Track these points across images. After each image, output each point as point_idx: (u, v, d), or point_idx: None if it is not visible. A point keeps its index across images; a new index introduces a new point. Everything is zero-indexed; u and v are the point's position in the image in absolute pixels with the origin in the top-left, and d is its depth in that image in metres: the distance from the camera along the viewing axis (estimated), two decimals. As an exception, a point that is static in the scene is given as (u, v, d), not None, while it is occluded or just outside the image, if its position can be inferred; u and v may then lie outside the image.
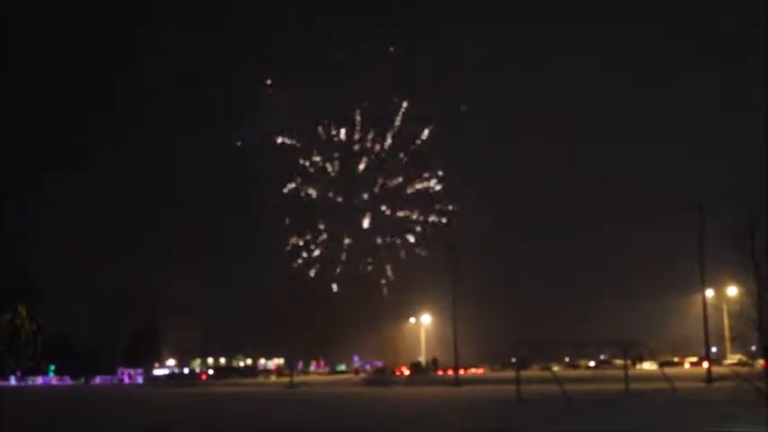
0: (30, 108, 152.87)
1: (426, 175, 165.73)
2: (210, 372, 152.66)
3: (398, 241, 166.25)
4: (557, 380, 53.58)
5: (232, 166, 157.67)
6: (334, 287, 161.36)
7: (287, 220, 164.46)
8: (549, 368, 69.60)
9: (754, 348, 23.92)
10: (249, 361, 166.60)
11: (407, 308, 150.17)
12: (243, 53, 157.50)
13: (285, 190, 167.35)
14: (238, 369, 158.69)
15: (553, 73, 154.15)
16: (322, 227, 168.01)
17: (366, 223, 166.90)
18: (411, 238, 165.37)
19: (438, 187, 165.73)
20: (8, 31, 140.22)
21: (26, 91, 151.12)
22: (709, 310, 79.00)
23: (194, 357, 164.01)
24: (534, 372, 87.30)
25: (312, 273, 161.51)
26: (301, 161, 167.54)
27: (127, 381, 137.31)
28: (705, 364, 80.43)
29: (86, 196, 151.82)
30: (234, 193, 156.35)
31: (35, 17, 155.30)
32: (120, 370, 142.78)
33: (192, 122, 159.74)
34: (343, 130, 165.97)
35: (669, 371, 77.33)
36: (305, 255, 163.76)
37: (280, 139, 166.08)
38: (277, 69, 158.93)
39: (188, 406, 59.43)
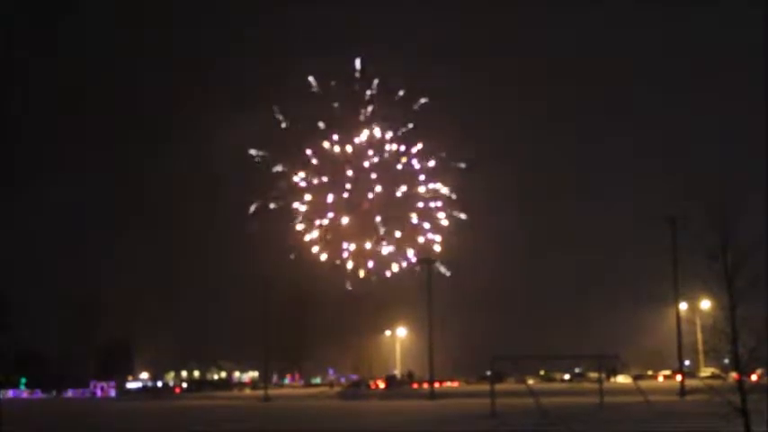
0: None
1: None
2: (184, 385, 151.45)
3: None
4: (531, 393, 53.61)
5: (208, 178, 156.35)
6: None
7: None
8: (523, 381, 69.38)
9: (726, 362, 24.01)
10: (224, 374, 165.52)
11: (383, 321, 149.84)
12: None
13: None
14: (212, 382, 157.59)
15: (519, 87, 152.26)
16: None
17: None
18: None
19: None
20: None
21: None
22: (683, 324, 79.69)
23: (168, 370, 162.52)
24: (509, 385, 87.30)
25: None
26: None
27: (99, 394, 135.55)
28: (678, 378, 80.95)
29: (55, 206, 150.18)
30: (208, 204, 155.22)
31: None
32: (92, 383, 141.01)
33: (165, 131, 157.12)
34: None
35: (643, 384, 77.71)
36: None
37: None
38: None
39: (162, 419, 58.86)
